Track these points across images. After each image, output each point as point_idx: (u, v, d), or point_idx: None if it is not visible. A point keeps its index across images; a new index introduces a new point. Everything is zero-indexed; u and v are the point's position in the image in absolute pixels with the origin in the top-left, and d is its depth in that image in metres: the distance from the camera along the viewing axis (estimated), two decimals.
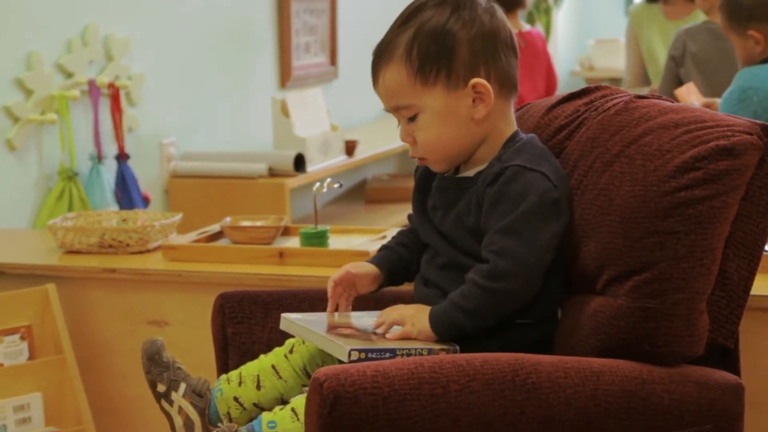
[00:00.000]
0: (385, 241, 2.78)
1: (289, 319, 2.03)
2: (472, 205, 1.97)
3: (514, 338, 1.95)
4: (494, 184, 1.93)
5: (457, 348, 1.92)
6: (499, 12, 2.01)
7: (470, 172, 2.02)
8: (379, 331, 1.96)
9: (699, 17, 4.78)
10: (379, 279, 2.11)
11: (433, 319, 1.93)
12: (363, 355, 1.86)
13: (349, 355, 1.86)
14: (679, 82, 4.23)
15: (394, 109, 2.01)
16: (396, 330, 1.95)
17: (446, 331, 1.93)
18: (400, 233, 2.17)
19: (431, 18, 1.96)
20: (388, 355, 1.87)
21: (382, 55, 2.00)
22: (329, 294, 2.08)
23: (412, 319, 1.95)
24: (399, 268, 2.12)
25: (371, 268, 2.10)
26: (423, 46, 1.95)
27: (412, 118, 1.99)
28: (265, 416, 1.91)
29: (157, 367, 2.08)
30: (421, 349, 1.90)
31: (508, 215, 1.90)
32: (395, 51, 1.97)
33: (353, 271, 2.09)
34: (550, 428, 1.78)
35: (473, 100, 1.96)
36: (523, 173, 1.93)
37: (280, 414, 1.90)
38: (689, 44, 4.28)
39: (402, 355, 1.88)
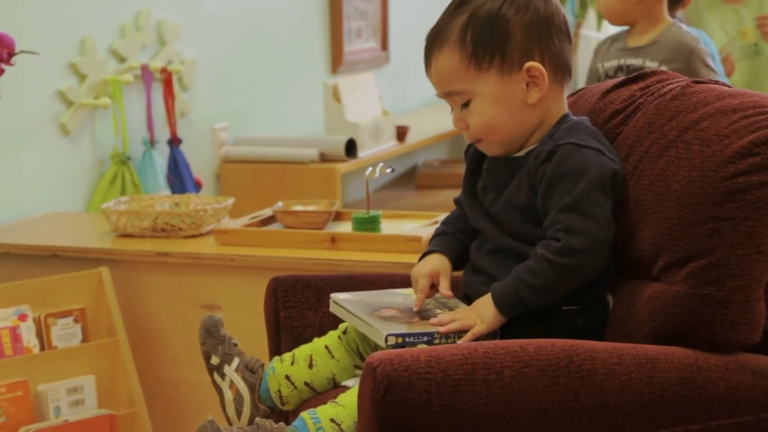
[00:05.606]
0: (438, 227, 2.79)
1: (336, 301, 2.04)
2: (523, 183, 1.97)
3: (560, 324, 1.95)
4: (549, 162, 1.93)
5: (497, 332, 1.92)
6: None
7: (521, 152, 2.01)
8: (442, 330, 1.92)
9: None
10: (450, 269, 2.08)
11: (499, 299, 1.92)
12: (400, 340, 1.88)
13: (386, 340, 1.88)
14: None
15: (447, 95, 2.00)
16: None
17: (512, 309, 1.91)
18: (454, 218, 2.14)
19: (485, 3, 1.96)
20: (426, 338, 1.89)
21: (435, 40, 1.99)
22: (418, 287, 2.03)
23: (479, 317, 1.92)
24: (463, 257, 2.10)
25: (447, 263, 2.07)
26: (477, 32, 1.95)
27: (465, 104, 1.98)
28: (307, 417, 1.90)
29: (213, 339, 2.12)
30: (460, 333, 1.91)
31: (568, 193, 1.90)
32: (449, 36, 1.97)
33: (438, 268, 2.06)
34: (605, 415, 1.77)
35: (527, 85, 1.96)
36: (578, 150, 1.93)
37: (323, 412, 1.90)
38: None
39: (439, 339, 1.89)
